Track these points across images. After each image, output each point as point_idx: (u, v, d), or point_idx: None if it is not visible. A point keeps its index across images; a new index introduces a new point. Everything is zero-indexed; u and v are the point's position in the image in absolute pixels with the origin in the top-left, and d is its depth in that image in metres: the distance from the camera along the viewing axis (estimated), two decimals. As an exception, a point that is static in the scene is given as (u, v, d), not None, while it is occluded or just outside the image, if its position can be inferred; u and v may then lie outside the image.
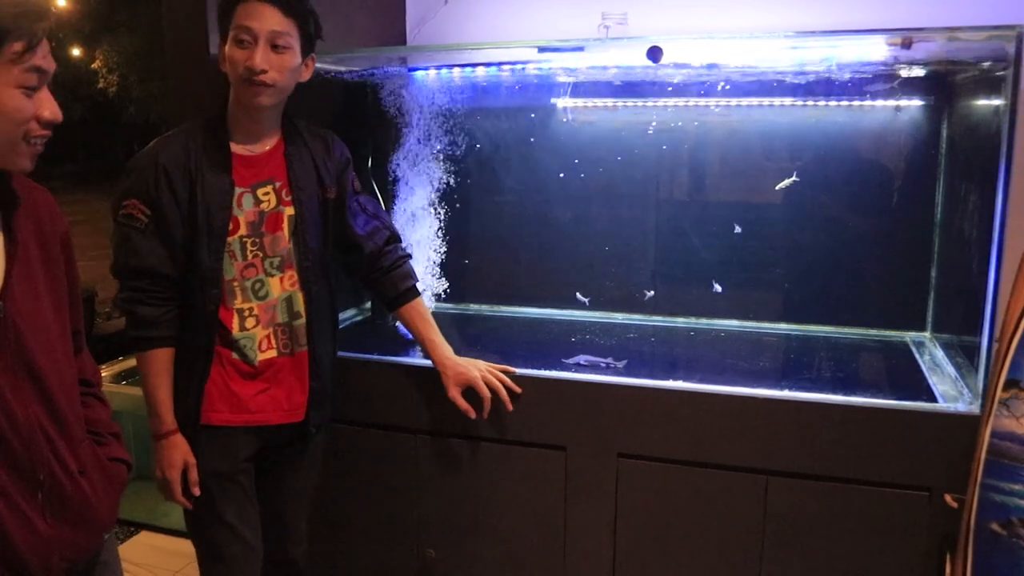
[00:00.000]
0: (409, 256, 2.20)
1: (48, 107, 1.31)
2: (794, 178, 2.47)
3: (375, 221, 2.13)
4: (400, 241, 2.19)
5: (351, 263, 2.14)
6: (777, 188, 2.48)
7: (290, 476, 2.09)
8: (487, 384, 2.10)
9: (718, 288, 2.58)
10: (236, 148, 1.89)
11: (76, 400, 1.46)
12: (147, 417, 1.90)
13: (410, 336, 2.20)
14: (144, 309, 1.84)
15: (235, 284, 1.88)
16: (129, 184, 1.84)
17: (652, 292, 2.65)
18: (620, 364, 2.28)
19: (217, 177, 1.85)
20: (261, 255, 1.91)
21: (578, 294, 2.74)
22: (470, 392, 2.11)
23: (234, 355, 1.90)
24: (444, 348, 2.12)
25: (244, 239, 1.88)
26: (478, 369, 2.11)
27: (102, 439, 1.53)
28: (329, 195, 1.99)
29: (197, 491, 1.90)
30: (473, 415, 2.12)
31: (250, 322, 1.91)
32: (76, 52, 18.05)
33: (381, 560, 2.40)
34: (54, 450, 1.38)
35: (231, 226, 1.86)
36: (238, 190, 1.87)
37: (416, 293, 2.16)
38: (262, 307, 1.92)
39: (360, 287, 2.24)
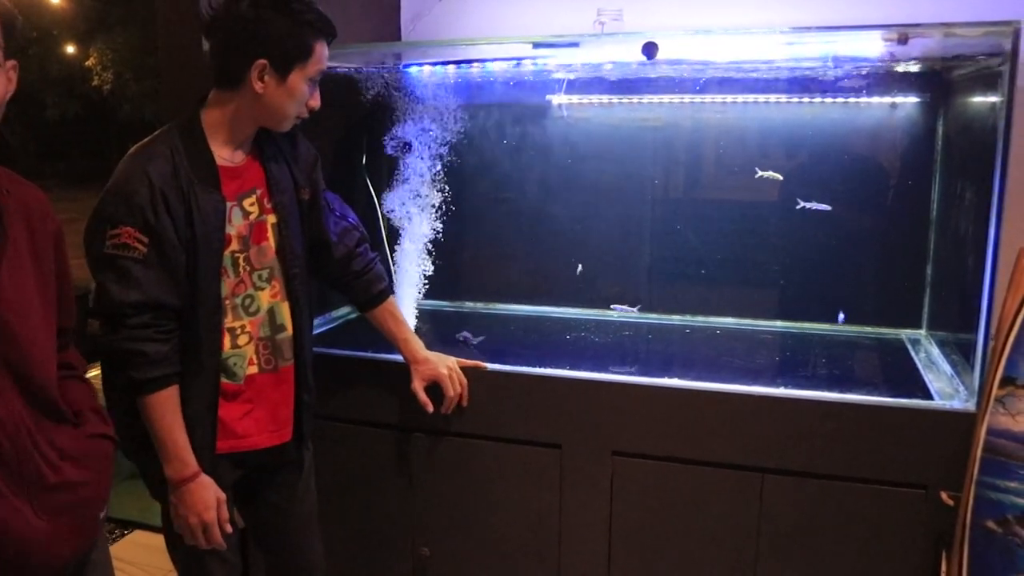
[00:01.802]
0: (378, 256, 2.16)
1: None
2: (775, 174, 2.46)
3: (344, 222, 2.08)
4: (368, 241, 2.15)
5: (319, 265, 2.04)
6: (758, 175, 2.47)
7: (297, 503, 2.04)
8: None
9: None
10: (219, 160, 1.78)
11: (59, 394, 1.45)
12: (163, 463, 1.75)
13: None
14: (153, 346, 1.68)
15: (226, 302, 1.80)
16: (117, 209, 1.67)
17: (637, 308, 2.66)
18: (475, 340, 2.46)
19: (209, 194, 1.74)
20: (249, 268, 1.83)
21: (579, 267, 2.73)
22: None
23: (220, 375, 1.80)
24: (416, 344, 2.12)
25: (236, 254, 1.80)
26: (447, 367, 2.12)
27: (82, 416, 1.49)
28: (304, 196, 1.93)
29: (230, 528, 1.80)
30: (431, 409, 2.12)
31: (242, 339, 1.83)
32: (70, 50, 18.02)
33: (375, 558, 2.39)
34: (35, 443, 1.37)
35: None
36: (228, 205, 1.77)
37: (388, 294, 2.13)
38: (254, 323, 1.84)
39: (328, 288, 2.20)
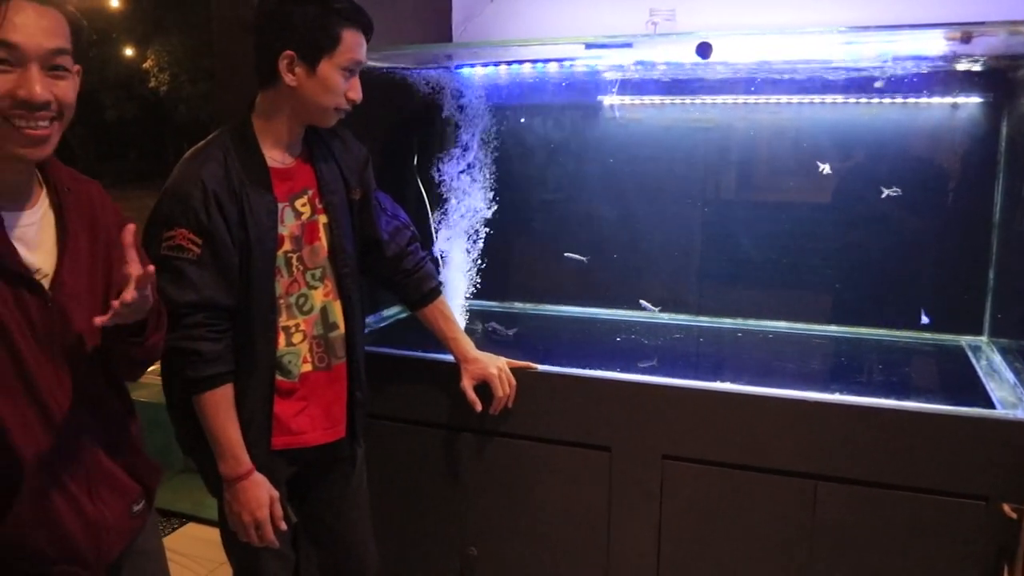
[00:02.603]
0: (428, 255, 2.17)
1: (24, 86, 1.25)
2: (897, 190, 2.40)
3: (395, 221, 2.10)
4: (419, 239, 2.16)
5: (370, 264, 2.07)
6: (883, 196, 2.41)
7: (350, 499, 2.06)
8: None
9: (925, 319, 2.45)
10: (270, 162, 1.80)
11: (116, 384, 1.50)
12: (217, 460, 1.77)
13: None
14: (207, 345, 1.71)
15: (280, 301, 1.82)
16: (171, 211, 1.70)
17: (658, 308, 2.68)
18: (502, 331, 2.56)
19: (261, 196, 1.76)
20: (302, 268, 1.85)
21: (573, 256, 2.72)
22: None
23: (275, 373, 1.83)
24: (466, 343, 2.13)
25: (289, 254, 1.82)
26: (497, 367, 2.11)
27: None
28: (355, 196, 1.95)
29: (284, 526, 1.82)
30: (479, 408, 2.12)
31: (297, 337, 1.85)
32: (128, 52, 18.47)
33: (423, 557, 2.40)
34: (91, 432, 1.42)
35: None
36: (280, 206, 1.79)
37: (439, 292, 2.14)
38: (308, 321, 1.87)
39: (379, 287, 2.21)
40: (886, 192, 2.39)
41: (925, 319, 2.43)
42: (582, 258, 2.75)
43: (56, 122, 1.30)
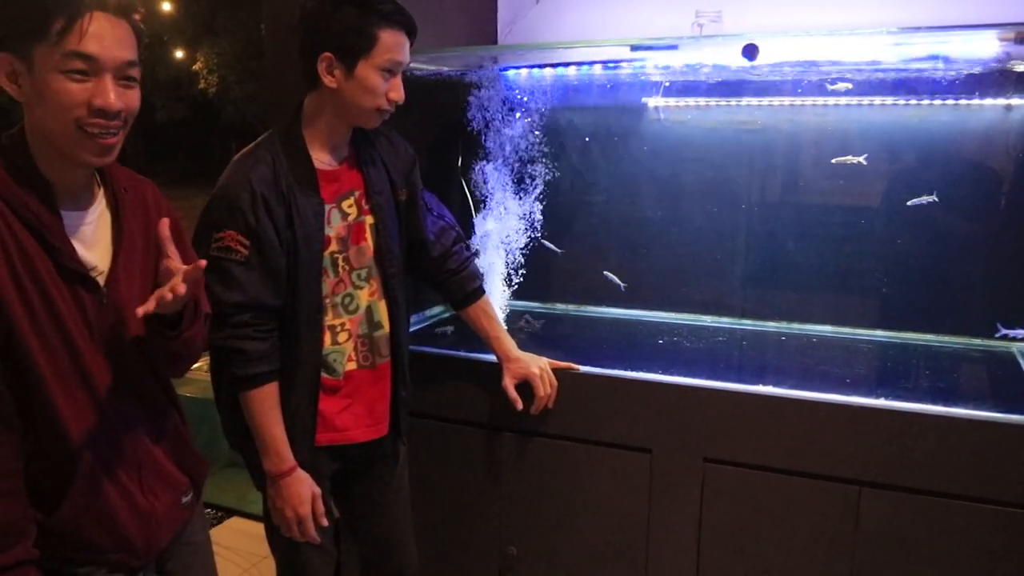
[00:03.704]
0: (474, 255, 2.18)
1: (100, 95, 1.28)
2: (932, 197, 2.35)
3: (441, 221, 2.11)
4: (464, 239, 2.17)
5: (415, 263, 2.09)
6: (909, 203, 2.36)
7: (391, 497, 2.09)
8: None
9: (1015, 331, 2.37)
10: (317, 164, 1.82)
11: (163, 379, 1.53)
12: (262, 457, 1.80)
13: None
14: (252, 344, 1.74)
15: (326, 301, 1.85)
16: (220, 214, 1.73)
17: (625, 285, 2.72)
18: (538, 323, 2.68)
19: (308, 198, 1.78)
20: (348, 268, 1.87)
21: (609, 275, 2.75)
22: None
23: (321, 371, 1.86)
24: (509, 343, 2.13)
25: (335, 255, 1.85)
26: (538, 367, 2.12)
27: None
28: (401, 197, 1.96)
29: (325, 521, 1.85)
30: (520, 406, 2.13)
31: (342, 336, 1.88)
32: (179, 54, 18.84)
33: (463, 555, 2.41)
34: (142, 425, 1.46)
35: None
36: (327, 207, 1.82)
37: (482, 292, 2.15)
38: (353, 321, 1.89)
39: (423, 286, 2.23)
40: (915, 201, 2.35)
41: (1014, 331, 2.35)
42: (557, 250, 2.77)
43: (122, 130, 1.35)
